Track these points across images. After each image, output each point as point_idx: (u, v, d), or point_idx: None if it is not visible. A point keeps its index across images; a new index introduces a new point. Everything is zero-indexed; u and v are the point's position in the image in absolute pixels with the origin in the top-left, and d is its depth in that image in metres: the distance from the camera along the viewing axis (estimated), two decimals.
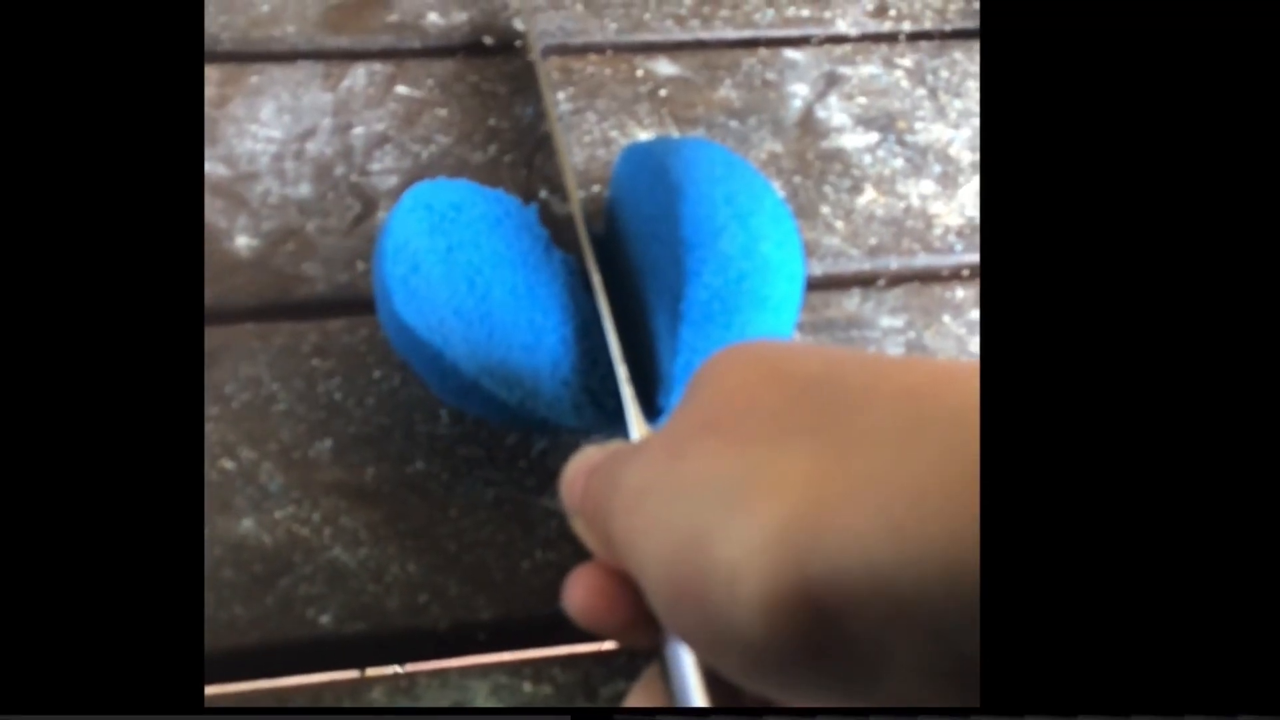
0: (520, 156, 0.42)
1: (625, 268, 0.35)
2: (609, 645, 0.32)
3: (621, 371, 0.31)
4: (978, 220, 0.41)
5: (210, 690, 0.31)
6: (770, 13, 0.47)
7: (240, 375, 0.36)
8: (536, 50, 0.43)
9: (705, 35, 0.46)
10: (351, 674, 0.32)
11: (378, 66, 0.44)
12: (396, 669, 0.32)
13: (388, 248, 0.32)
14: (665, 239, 0.32)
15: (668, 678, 0.25)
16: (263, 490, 0.34)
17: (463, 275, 0.32)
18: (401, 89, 0.43)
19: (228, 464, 0.34)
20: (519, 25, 0.45)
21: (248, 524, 0.33)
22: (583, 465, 0.26)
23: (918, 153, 0.43)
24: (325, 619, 0.32)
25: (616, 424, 0.32)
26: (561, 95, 0.43)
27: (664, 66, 0.45)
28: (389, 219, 0.33)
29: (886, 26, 0.47)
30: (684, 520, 0.20)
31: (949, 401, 0.18)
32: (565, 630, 0.32)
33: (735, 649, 0.19)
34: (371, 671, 0.32)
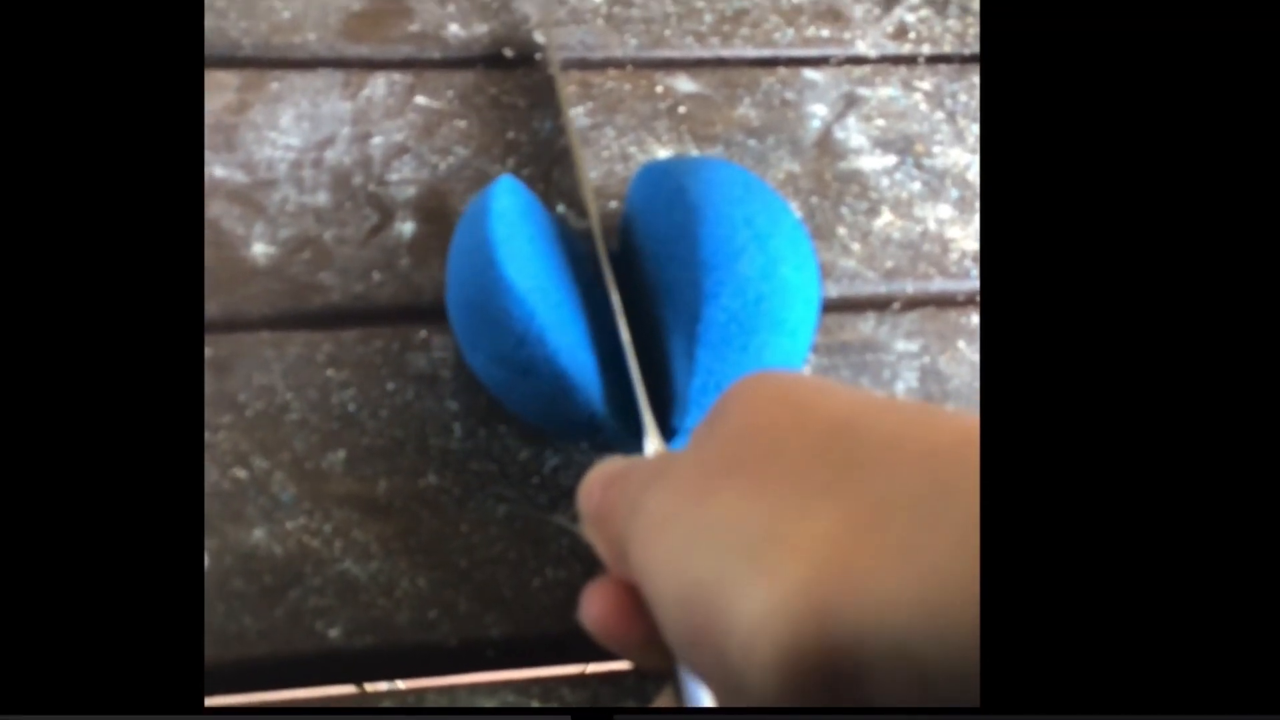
0: (538, 170, 0.42)
1: (641, 286, 0.35)
2: (618, 666, 0.32)
3: (641, 394, 0.31)
4: None
5: (218, 701, 0.31)
6: (790, 32, 0.47)
7: (254, 384, 0.35)
8: (556, 64, 0.43)
9: (725, 53, 0.46)
10: (359, 689, 0.32)
11: (397, 76, 0.44)
12: (404, 684, 0.32)
13: (494, 208, 0.33)
14: (683, 259, 0.32)
15: (680, 699, 0.25)
16: (274, 500, 0.33)
17: (543, 261, 0.33)
18: (421, 99, 0.43)
19: (240, 473, 0.34)
20: (539, 38, 0.45)
21: (259, 534, 0.33)
22: (603, 475, 0.26)
23: (935, 176, 0.43)
24: (334, 632, 0.32)
25: (638, 444, 0.32)
26: (580, 110, 0.43)
27: (683, 83, 0.45)
28: (491, 189, 0.34)
29: (906, 49, 0.47)
30: (704, 565, 0.20)
31: (972, 465, 0.18)
32: (575, 649, 0.32)
33: (747, 698, 0.19)
34: (379, 687, 0.32)
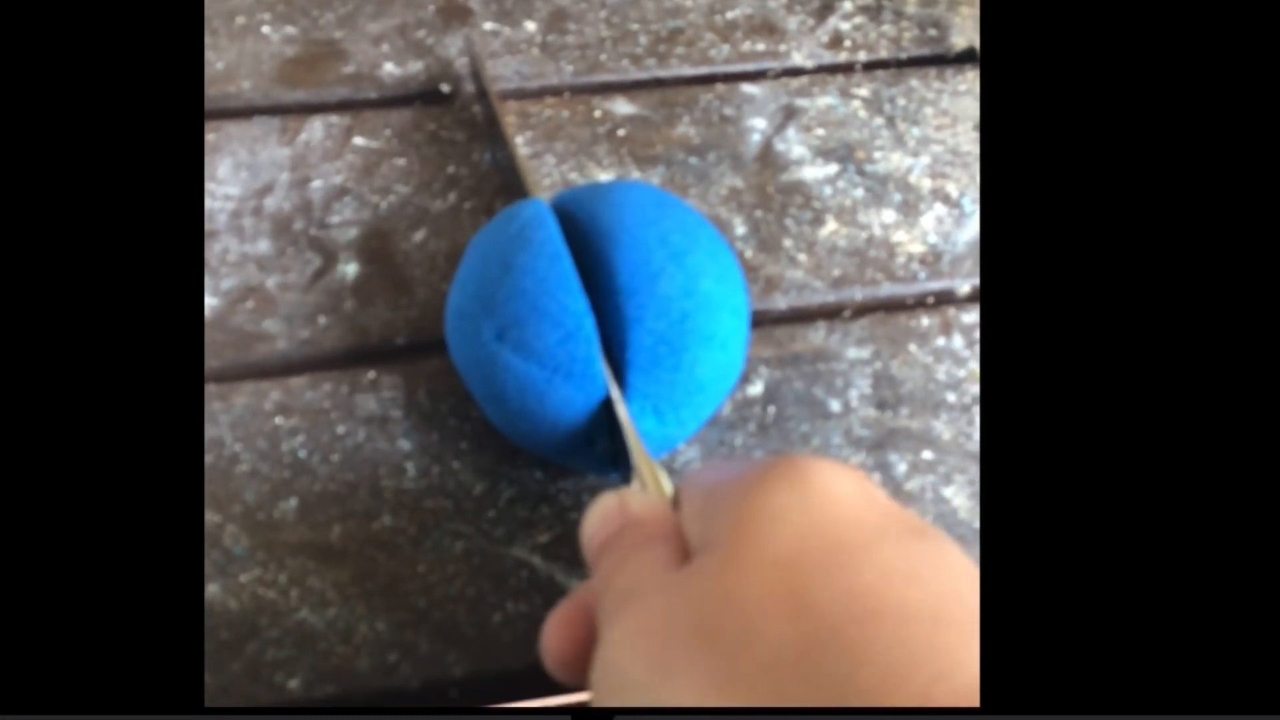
0: (481, 203, 0.42)
1: None
2: (582, 697, 0.31)
3: (616, 394, 0.31)
4: (941, 248, 0.41)
5: None
6: (726, 48, 0.47)
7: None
8: (492, 90, 0.43)
9: (662, 73, 0.46)
10: None
11: (334, 119, 0.44)
12: None
13: (550, 212, 0.33)
14: (603, 288, 0.32)
15: None
16: (227, 554, 0.33)
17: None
18: (359, 140, 0.43)
19: None
20: (461, 67, 0.45)
21: (213, 589, 0.32)
22: (604, 521, 0.25)
23: (878, 182, 0.43)
24: (294, 683, 0.31)
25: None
26: (520, 139, 0.43)
27: (621, 106, 0.45)
28: (535, 200, 0.34)
29: (842, 57, 0.47)
30: None
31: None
32: (539, 684, 0.32)
33: None
34: None
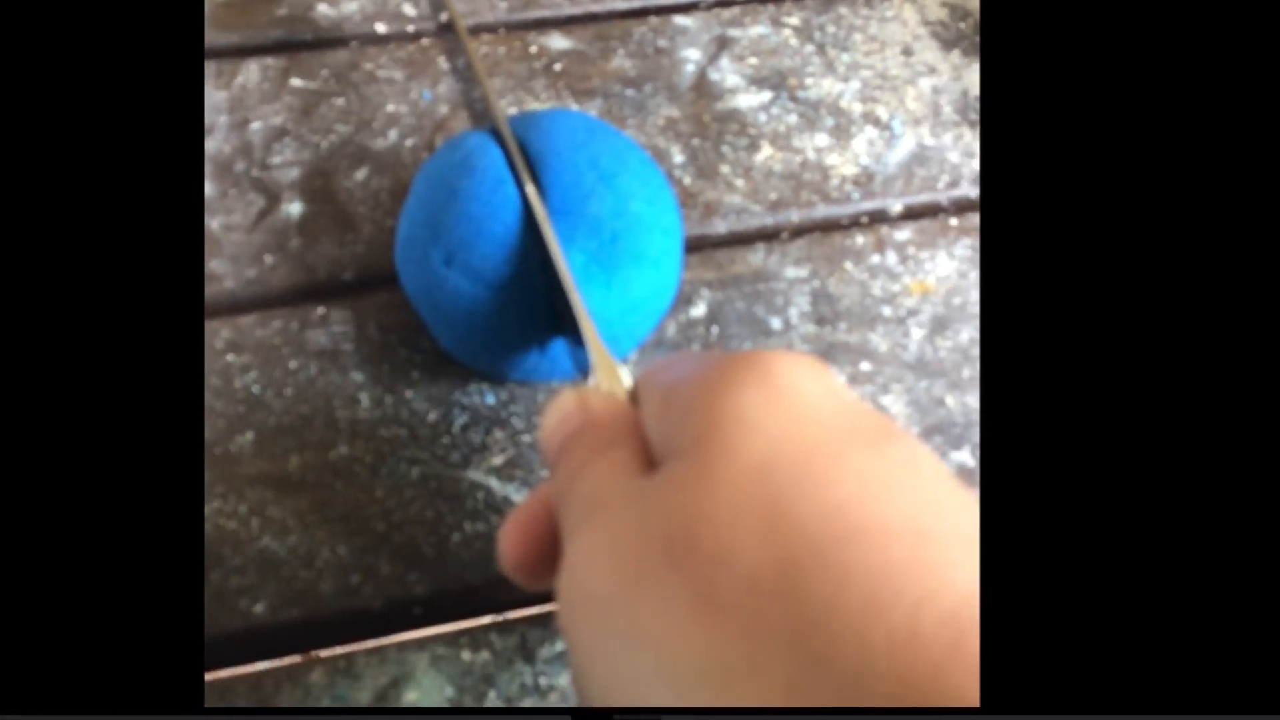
0: (422, 140, 0.42)
1: None
2: (544, 609, 0.33)
3: (577, 300, 0.31)
4: (872, 169, 0.43)
5: None
6: None
7: None
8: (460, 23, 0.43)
9: (596, 8, 0.47)
10: (289, 660, 0.32)
11: (270, 61, 0.44)
12: (331, 651, 0.32)
13: (494, 143, 0.34)
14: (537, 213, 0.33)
15: None
16: None
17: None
18: (296, 81, 0.43)
19: None
20: (409, 10, 0.46)
21: None
22: (562, 421, 0.24)
23: (810, 107, 0.44)
24: (259, 608, 0.32)
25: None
26: (457, 77, 0.44)
27: (557, 41, 0.45)
28: (480, 131, 0.35)
29: None
30: (635, 687, 0.18)
31: (959, 676, 0.16)
32: (499, 598, 0.33)
33: None
34: (304, 657, 0.32)
